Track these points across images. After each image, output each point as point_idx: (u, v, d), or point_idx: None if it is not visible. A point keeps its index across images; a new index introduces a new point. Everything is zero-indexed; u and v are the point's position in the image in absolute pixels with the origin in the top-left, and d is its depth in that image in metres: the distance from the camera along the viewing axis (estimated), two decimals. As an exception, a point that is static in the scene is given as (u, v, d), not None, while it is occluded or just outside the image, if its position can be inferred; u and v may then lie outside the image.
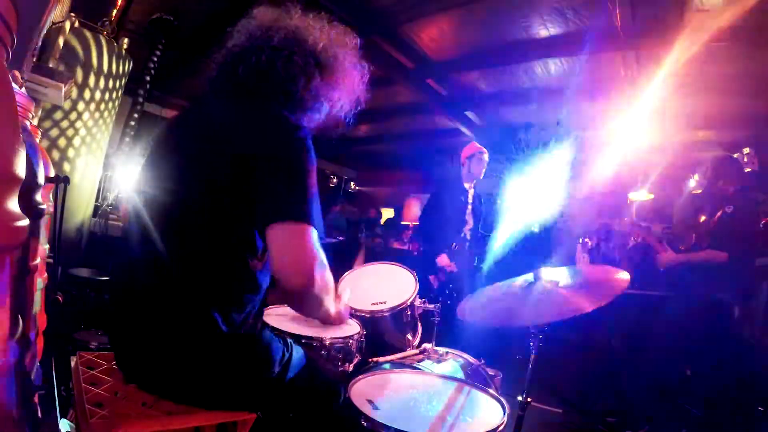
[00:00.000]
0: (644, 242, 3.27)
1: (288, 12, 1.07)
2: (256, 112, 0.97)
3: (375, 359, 1.49)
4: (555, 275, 1.35)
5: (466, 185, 3.10)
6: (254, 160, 0.89)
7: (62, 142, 3.10)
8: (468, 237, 3.09)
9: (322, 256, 0.89)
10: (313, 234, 0.87)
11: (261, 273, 0.98)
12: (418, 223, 6.80)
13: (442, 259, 2.94)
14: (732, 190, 2.52)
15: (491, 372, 1.67)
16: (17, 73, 1.16)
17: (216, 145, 0.94)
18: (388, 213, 8.94)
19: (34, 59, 1.74)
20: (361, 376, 1.27)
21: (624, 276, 1.22)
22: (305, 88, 1.03)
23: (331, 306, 1.02)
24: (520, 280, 1.43)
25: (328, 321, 1.09)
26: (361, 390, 1.18)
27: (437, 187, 3.27)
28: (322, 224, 0.90)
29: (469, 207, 3.10)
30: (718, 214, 2.50)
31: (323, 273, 0.89)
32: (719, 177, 2.57)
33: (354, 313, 1.77)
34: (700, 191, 2.81)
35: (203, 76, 1.11)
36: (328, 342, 1.46)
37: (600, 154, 5.29)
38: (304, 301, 0.94)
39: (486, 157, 3.06)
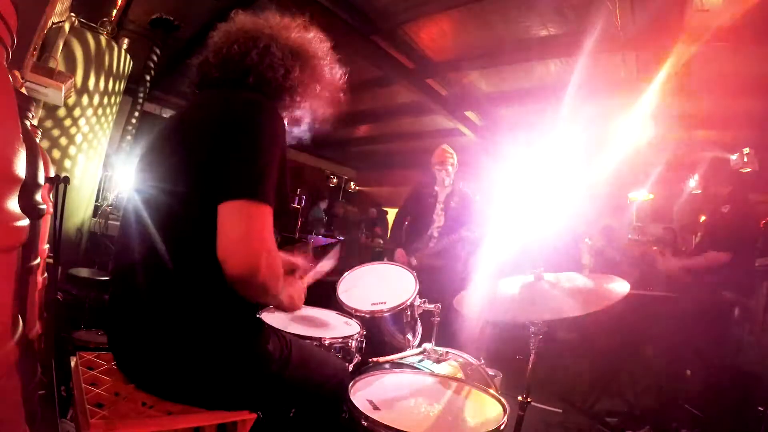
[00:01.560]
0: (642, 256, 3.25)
1: (265, 15, 1.10)
2: (230, 97, 0.98)
3: (375, 359, 1.50)
4: (555, 277, 1.35)
5: (437, 187, 3.15)
6: (220, 138, 0.89)
7: (63, 141, 3.10)
8: (435, 235, 3.11)
9: (271, 240, 0.84)
10: (265, 213, 0.83)
11: None
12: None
13: (398, 254, 3.02)
14: (726, 192, 2.53)
15: (491, 372, 1.67)
16: (17, 73, 1.16)
17: (194, 136, 0.95)
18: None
19: (34, 59, 1.74)
20: (361, 376, 1.27)
21: (623, 287, 1.22)
22: (284, 78, 1.04)
23: (280, 292, 0.95)
24: (520, 279, 1.42)
25: (280, 308, 1.06)
26: (361, 390, 1.18)
27: (411, 187, 3.35)
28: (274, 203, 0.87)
29: (440, 206, 3.13)
30: (716, 215, 2.51)
31: (270, 261, 0.83)
32: (711, 180, 2.59)
33: (354, 313, 1.77)
34: (699, 192, 2.81)
35: (188, 78, 1.13)
36: (327, 342, 1.46)
37: (600, 154, 5.28)
38: (248, 289, 0.86)
39: (448, 165, 3.08)
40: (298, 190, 6.40)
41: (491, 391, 1.25)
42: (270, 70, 1.03)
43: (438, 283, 2.48)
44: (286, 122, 1.01)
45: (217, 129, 0.90)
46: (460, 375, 1.54)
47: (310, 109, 1.15)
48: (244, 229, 0.81)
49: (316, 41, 1.12)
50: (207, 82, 1.09)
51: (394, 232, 3.35)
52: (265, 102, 0.96)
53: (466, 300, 1.42)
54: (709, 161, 2.66)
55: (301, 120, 1.16)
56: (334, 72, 1.16)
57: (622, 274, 1.31)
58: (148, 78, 4.54)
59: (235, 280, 0.81)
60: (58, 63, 2.49)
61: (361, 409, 1.05)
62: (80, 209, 3.38)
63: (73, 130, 3.14)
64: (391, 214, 8.94)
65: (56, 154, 3.06)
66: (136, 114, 4.66)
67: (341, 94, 1.20)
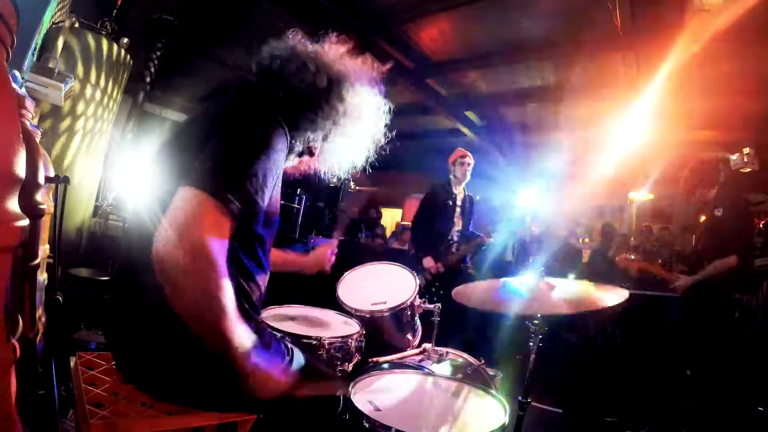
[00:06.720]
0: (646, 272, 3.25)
1: (324, 45, 1.12)
2: (245, 103, 0.98)
3: (375, 359, 1.49)
4: (554, 281, 1.37)
5: (455, 189, 3.21)
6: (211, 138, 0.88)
7: (63, 141, 3.10)
8: (455, 239, 3.19)
9: (216, 244, 0.73)
10: (216, 210, 0.74)
11: (258, 271, 0.98)
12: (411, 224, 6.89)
13: (428, 261, 3.06)
14: (711, 195, 2.54)
15: (491, 372, 1.67)
16: (17, 73, 1.16)
17: (201, 136, 0.94)
18: (389, 213, 8.94)
19: (34, 59, 1.74)
20: (361, 377, 1.27)
21: (620, 297, 1.23)
22: (324, 101, 1.06)
23: (231, 325, 0.75)
24: (520, 278, 1.43)
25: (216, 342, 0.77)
26: (361, 390, 1.18)
27: (429, 189, 3.39)
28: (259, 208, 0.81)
29: (458, 209, 3.20)
30: (710, 219, 2.53)
31: (200, 257, 0.71)
32: (697, 184, 2.59)
33: (354, 313, 1.77)
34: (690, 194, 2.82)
35: (206, 79, 1.14)
36: (327, 342, 1.46)
37: (600, 154, 5.29)
38: (167, 275, 0.73)
39: (469, 160, 3.18)
40: (299, 189, 6.38)
41: (491, 391, 1.25)
42: (300, 84, 1.04)
43: (457, 282, 2.50)
44: (300, 148, 1.07)
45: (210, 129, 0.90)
46: (460, 375, 1.53)
47: (334, 149, 1.18)
48: (186, 216, 0.72)
49: (366, 82, 1.13)
50: (241, 87, 1.10)
51: (419, 238, 3.31)
52: (268, 113, 0.94)
53: (466, 292, 1.43)
54: (692, 165, 2.66)
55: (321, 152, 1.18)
56: (372, 123, 1.19)
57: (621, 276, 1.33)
58: (148, 78, 4.53)
59: (166, 270, 0.72)
60: (58, 63, 2.48)
61: (361, 409, 1.04)
62: (80, 209, 3.37)
63: (73, 130, 3.14)
64: (387, 214, 8.94)
65: (56, 154, 3.06)
66: (136, 114, 4.66)
67: (378, 144, 1.23)
